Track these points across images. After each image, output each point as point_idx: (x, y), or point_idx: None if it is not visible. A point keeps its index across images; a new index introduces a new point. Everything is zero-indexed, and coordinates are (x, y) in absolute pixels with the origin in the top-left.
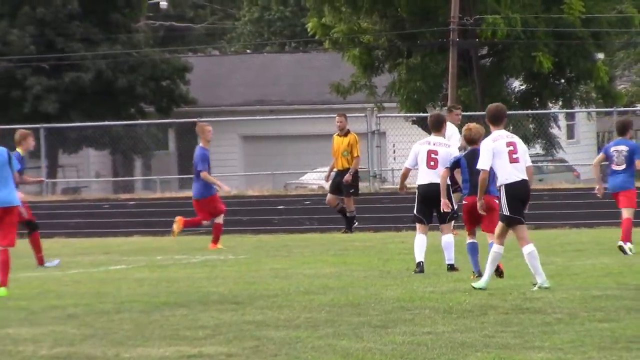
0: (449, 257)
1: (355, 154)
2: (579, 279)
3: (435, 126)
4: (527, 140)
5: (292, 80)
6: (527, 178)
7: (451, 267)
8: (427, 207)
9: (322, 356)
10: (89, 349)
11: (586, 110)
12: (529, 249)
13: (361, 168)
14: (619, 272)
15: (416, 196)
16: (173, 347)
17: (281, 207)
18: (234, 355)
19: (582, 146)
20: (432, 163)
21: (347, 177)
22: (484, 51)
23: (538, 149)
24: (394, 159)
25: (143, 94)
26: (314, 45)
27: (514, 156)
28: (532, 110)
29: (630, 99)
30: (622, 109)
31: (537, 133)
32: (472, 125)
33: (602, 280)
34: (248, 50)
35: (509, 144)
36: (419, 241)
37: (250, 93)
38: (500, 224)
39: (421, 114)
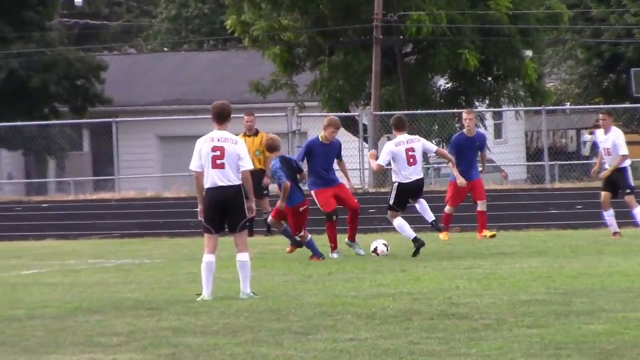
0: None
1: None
2: (506, 283)
3: (400, 126)
4: None
5: (210, 79)
6: (224, 185)
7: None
8: (407, 199)
9: None
10: None
11: (514, 109)
12: (242, 257)
13: None
14: (548, 276)
15: (397, 191)
16: (87, 354)
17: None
18: None
19: (510, 146)
20: (411, 160)
21: (267, 180)
22: (409, 49)
23: None
24: None
25: (57, 94)
26: (233, 43)
27: (218, 162)
28: (458, 109)
29: (560, 97)
30: (550, 107)
31: None
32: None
33: (530, 284)
34: (165, 49)
35: (215, 149)
36: (401, 222)
37: (168, 92)
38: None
39: (343, 114)
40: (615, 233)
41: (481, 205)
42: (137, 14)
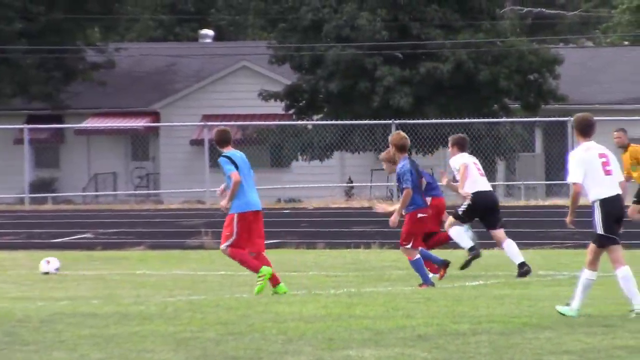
0: None
1: None
2: None
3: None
4: None
5: None
6: (620, 194)
7: None
8: None
9: None
10: None
11: None
12: (623, 272)
13: None
14: None
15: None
16: None
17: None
18: None
19: None
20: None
21: None
22: None
23: None
24: None
25: (507, 89)
26: None
27: (607, 168)
28: None
29: None
30: None
31: None
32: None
33: None
34: (626, 42)
35: (601, 155)
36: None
37: (628, 91)
38: (592, 246)
39: None
40: None
41: None
42: (595, 4)
